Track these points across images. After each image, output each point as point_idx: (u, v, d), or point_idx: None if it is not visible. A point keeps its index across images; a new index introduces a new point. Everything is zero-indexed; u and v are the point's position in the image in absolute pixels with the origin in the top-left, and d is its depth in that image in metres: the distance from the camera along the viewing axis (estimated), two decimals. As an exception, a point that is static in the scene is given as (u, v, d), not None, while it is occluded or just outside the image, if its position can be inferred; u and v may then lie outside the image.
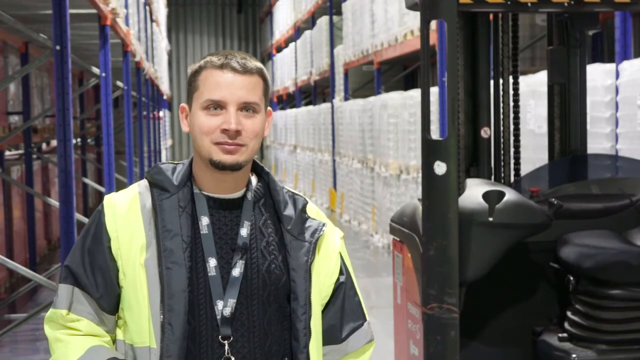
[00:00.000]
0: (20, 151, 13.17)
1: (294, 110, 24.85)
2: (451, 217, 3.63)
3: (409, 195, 11.16)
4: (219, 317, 2.23)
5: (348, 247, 3.02)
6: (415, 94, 11.50)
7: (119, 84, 12.35)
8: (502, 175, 4.69)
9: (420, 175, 3.98)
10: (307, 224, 2.33)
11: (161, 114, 24.19)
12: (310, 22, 21.94)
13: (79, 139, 16.01)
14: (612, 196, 4.49)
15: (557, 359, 4.07)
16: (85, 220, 7.63)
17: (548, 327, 4.32)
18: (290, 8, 25.98)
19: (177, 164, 2.33)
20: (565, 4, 4.03)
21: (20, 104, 11.12)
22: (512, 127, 4.75)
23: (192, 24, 36.58)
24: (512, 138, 4.78)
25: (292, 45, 25.61)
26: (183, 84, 34.70)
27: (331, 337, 2.36)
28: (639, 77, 6.50)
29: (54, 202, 9.38)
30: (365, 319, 2.41)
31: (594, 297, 4.04)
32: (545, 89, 5.01)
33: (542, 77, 6.73)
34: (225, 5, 37.02)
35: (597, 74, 6.78)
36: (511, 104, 4.74)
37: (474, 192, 3.99)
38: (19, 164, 11.50)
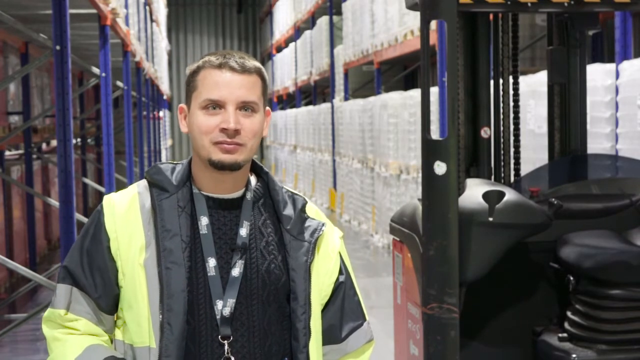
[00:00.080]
0: (20, 151, 13.17)
1: (294, 110, 24.84)
2: (451, 217, 3.63)
3: (409, 195, 11.15)
4: (218, 317, 2.23)
5: (348, 247, 3.01)
6: (415, 94, 11.49)
7: (119, 84, 12.35)
8: (502, 175, 4.69)
9: (420, 175, 3.98)
10: (307, 223, 2.33)
11: (161, 114, 24.19)
12: (310, 22, 21.93)
13: (79, 139, 16.01)
14: (612, 196, 4.48)
15: (557, 359, 4.07)
16: (85, 220, 7.61)
17: (548, 327, 4.32)
18: (290, 8, 25.98)
19: (176, 164, 2.33)
20: (565, 4, 4.03)
21: (20, 104, 11.12)
22: (512, 127, 4.75)
23: (192, 24, 36.59)
24: (512, 138, 4.78)
25: (292, 45, 25.61)
26: (183, 84, 34.59)
27: (331, 336, 2.36)
28: (639, 77, 6.50)
29: (54, 202, 9.37)
30: (364, 319, 2.41)
31: (594, 297, 4.03)
32: (545, 89, 5.01)
33: (542, 77, 6.73)
34: (225, 5, 37.03)
35: (597, 74, 6.78)
36: (511, 104, 4.74)
37: (474, 192, 3.99)
38: (19, 164, 11.50)
